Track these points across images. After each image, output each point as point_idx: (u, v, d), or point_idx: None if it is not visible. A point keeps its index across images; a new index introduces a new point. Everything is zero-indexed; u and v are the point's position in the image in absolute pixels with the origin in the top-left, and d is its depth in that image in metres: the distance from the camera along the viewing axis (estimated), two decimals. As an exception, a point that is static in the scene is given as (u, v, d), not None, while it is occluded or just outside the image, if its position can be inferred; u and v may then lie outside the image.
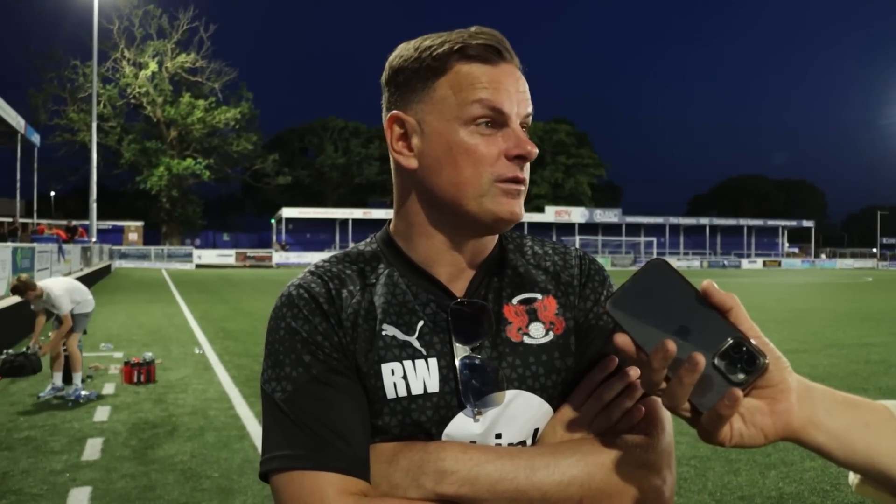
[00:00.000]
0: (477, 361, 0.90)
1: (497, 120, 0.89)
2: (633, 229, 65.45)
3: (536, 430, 0.91)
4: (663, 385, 0.71)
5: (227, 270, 41.54)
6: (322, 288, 0.92)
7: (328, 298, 0.91)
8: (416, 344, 0.90)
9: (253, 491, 4.38)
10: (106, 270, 32.52)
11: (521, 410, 0.90)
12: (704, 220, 69.60)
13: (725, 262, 61.33)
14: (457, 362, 0.90)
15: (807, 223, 73.01)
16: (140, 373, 7.61)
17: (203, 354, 9.64)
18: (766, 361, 0.69)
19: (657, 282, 0.73)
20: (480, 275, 0.96)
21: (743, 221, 70.38)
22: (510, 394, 0.90)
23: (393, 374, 0.88)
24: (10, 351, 8.33)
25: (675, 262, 55.44)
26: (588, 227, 62.88)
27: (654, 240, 61.46)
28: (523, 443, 0.90)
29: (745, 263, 62.16)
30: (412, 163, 0.93)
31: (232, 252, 50.17)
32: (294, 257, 50.88)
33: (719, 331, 0.70)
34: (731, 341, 0.69)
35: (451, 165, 0.89)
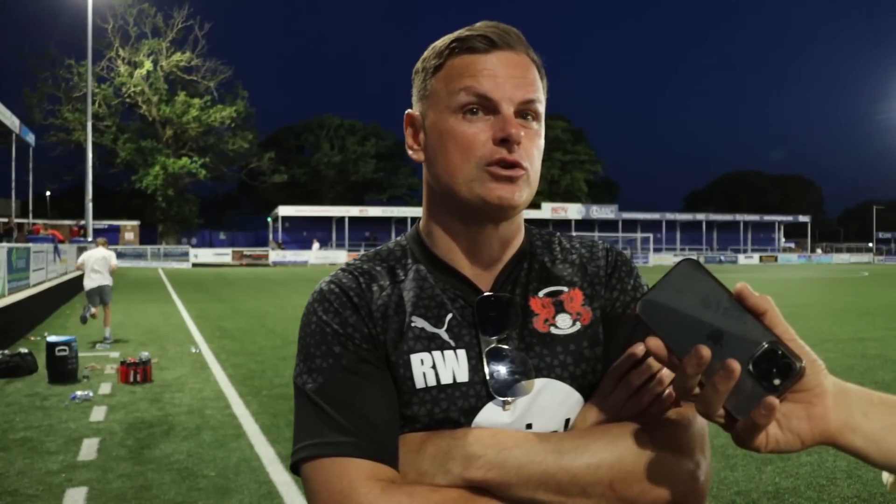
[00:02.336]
0: (504, 352, 0.90)
1: (486, 106, 0.89)
2: (630, 225, 65.36)
3: (568, 420, 0.91)
4: (696, 391, 0.70)
5: (223, 269, 41.46)
6: (353, 282, 0.94)
7: (358, 292, 0.93)
8: (445, 336, 0.91)
9: (249, 490, 4.37)
10: (102, 270, 32.41)
11: (550, 400, 0.90)
12: (701, 216, 69.53)
13: (722, 258, 61.35)
14: (484, 353, 0.90)
15: (803, 218, 72.99)
16: (136, 372, 7.60)
17: (199, 353, 9.63)
18: (803, 366, 0.67)
19: (689, 282, 0.71)
20: (506, 270, 0.97)
21: (739, 217, 70.33)
22: (539, 383, 0.90)
23: (422, 363, 0.89)
24: (6, 351, 8.32)
25: (671, 259, 55.52)
26: (584, 224, 62.77)
27: (651, 236, 61.39)
28: (554, 433, 0.89)
29: (741, 259, 62.21)
30: (420, 156, 0.98)
31: (228, 251, 50.01)
32: (290, 255, 50.77)
33: (754, 334, 0.68)
34: (766, 346, 0.68)
35: (443, 154, 0.92)
